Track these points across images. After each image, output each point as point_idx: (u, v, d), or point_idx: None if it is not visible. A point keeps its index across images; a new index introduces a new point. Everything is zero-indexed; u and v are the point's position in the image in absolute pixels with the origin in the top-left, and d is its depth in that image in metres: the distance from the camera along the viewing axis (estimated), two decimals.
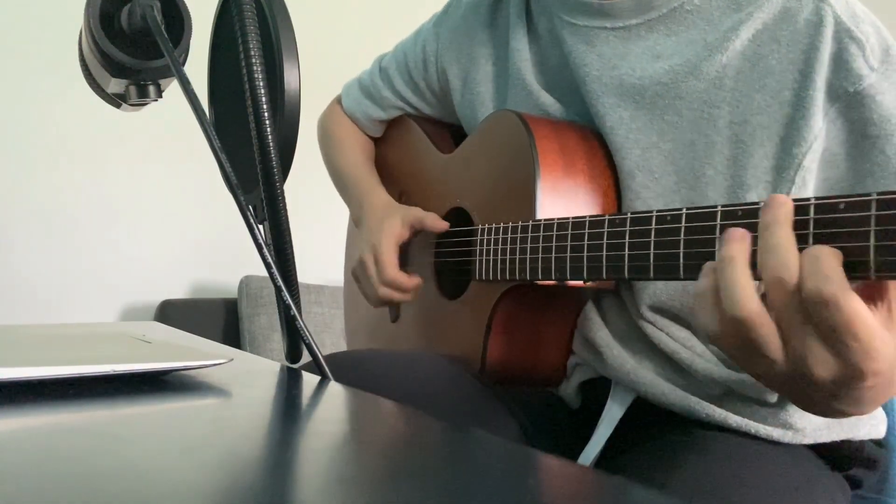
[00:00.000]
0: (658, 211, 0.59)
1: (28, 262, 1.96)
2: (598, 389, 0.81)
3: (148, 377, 0.44)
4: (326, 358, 0.85)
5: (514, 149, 0.80)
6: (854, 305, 0.45)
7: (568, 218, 0.69)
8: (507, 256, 0.77)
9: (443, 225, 0.90)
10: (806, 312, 0.46)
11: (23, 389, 0.39)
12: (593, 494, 0.30)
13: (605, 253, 0.64)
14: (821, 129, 0.68)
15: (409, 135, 1.07)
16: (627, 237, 0.62)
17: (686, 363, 0.74)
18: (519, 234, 0.75)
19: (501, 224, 0.78)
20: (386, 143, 1.13)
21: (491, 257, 0.80)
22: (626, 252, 0.62)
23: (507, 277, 0.77)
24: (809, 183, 0.69)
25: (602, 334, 0.79)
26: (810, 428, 0.72)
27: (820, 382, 0.48)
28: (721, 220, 0.54)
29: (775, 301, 0.47)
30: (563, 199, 0.76)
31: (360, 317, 1.15)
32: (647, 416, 0.77)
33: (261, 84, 0.50)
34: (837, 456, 0.75)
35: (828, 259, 0.45)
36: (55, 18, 1.88)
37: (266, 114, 0.50)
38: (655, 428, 0.76)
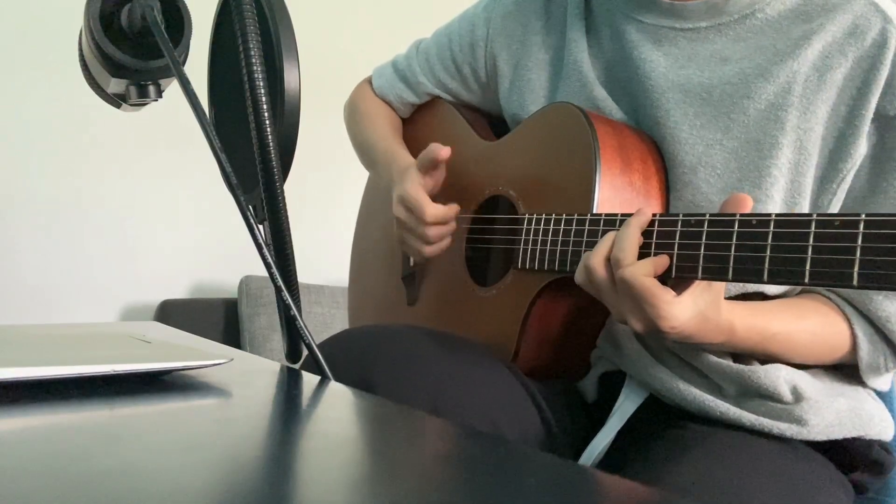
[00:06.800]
0: (711, 215, 0.62)
1: (28, 262, 1.96)
2: (614, 383, 0.81)
3: (148, 377, 0.44)
4: (357, 329, 0.84)
5: (574, 142, 0.79)
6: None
7: (616, 214, 0.70)
8: (559, 248, 0.77)
9: (444, 152, 0.87)
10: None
11: (23, 389, 0.39)
12: (593, 495, 0.30)
13: (652, 251, 0.66)
14: (865, 146, 0.72)
15: (445, 116, 1.04)
16: (677, 237, 0.64)
17: (698, 360, 0.75)
18: (574, 227, 0.75)
19: (554, 215, 0.78)
20: (417, 122, 1.10)
21: (538, 247, 0.79)
22: (675, 252, 0.64)
23: (556, 268, 0.77)
24: (843, 193, 0.73)
25: (624, 328, 0.78)
26: (823, 424, 0.72)
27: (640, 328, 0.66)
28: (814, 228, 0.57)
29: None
30: (618, 195, 0.77)
31: (368, 296, 1.11)
32: (658, 411, 0.77)
33: (261, 84, 0.50)
34: (844, 457, 0.75)
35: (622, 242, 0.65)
36: (55, 18, 1.88)
37: (266, 114, 0.50)
38: (663, 422, 0.77)
